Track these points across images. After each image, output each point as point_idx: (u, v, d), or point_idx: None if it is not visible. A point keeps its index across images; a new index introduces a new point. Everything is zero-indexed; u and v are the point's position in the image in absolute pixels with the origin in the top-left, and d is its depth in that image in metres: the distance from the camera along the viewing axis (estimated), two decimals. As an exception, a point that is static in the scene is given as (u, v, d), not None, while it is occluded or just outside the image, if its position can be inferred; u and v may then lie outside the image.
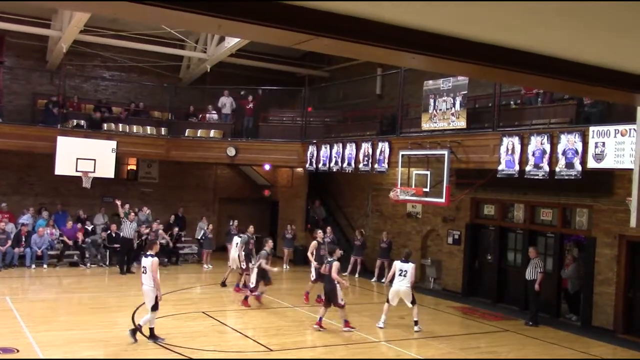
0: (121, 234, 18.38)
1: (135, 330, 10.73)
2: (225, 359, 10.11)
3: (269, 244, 14.26)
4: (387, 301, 12.94)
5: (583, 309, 14.05)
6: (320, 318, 12.30)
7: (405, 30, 2.14)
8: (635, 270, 13.32)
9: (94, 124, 20.30)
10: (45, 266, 17.99)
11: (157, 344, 10.58)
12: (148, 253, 10.91)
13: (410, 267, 12.71)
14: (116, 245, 18.78)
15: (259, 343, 11.17)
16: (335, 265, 12.20)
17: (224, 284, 16.44)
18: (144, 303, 11.12)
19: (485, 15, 2.03)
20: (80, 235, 19.05)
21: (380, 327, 12.65)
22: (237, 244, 15.79)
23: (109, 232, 19.25)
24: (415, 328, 12.56)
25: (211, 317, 12.99)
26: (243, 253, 15.37)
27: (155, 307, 10.59)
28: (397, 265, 12.86)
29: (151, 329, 10.75)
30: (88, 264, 18.53)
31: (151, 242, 11.71)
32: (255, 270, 13.87)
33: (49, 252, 18.40)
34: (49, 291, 15.28)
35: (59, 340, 10.59)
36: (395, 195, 15.90)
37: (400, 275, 12.71)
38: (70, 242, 18.94)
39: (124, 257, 18.28)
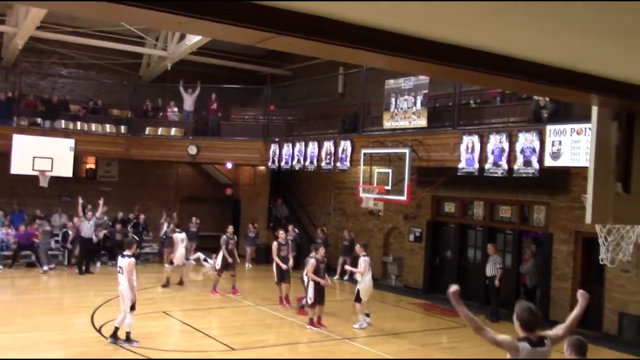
0: (80, 234, 18.04)
1: (115, 332, 10.51)
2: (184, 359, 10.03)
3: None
4: (359, 300, 12.70)
5: (540, 304, 14.34)
6: (319, 317, 12.44)
7: (370, 30, 2.15)
8: (590, 265, 13.66)
9: (51, 109, 19.81)
10: (0, 267, 17.55)
11: (130, 346, 10.35)
12: (125, 253, 10.64)
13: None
14: (68, 246, 18.49)
15: (221, 342, 11.11)
16: (311, 263, 12.28)
17: (166, 285, 16.22)
18: (107, 301, 10.95)
19: (449, 15, 2.06)
20: (36, 236, 18.61)
21: (363, 328, 12.58)
22: (182, 239, 16.64)
23: (65, 230, 18.87)
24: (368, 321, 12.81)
25: (172, 317, 12.87)
26: (226, 253, 15.37)
27: (132, 308, 10.42)
28: (368, 260, 12.87)
29: (126, 332, 10.50)
30: (45, 267, 17.89)
31: (129, 242, 11.33)
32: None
33: (3, 253, 17.94)
34: (4, 292, 14.93)
35: (16, 343, 10.35)
36: (366, 199, 15.83)
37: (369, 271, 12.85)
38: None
39: (83, 257, 17.98)
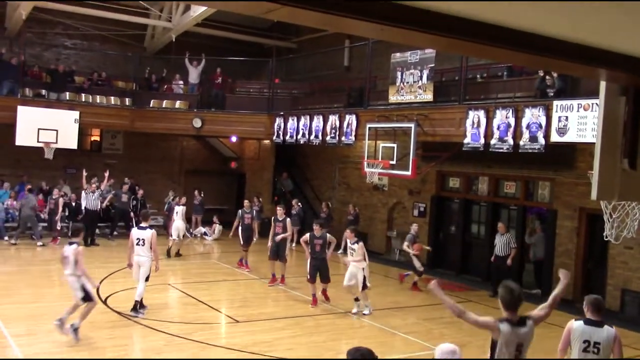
0: (84, 206, 18.08)
1: (136, 306, 10.66)
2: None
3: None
4: (366, 287, 11.78)
5: (544, 280, 14.38)
6: (323, 290, 12.37)
7: (372, 1, 2.11)
8: (594, 242, 13.66)
9: (57, 80, 19.77)
10: (6, 238, 17.65)
11: (138, 315, 10.54)
12: (144, 225, 10.79)
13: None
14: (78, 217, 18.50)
15: (225, 314, 11.19)
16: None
17: (169, 255, 16.53)
18: (112, 273, 11.01)
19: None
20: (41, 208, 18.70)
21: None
22: (176, 212, 16.79)
23: (69, 202, 18.92)
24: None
25: (177, 289, 12.95)
26: (239, 227, 15.49)
27: (148, 278, 10.63)
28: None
29: (137, 302, 10.69)
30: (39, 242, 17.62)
31: (145, 214, 11.43)
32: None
33: (8, 225, 18.03)
34: (10, 264, 15.03)
35: (21, 314, 10.45)
36: (370, 174, 15.75)
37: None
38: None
39: (88, 229, 18.03)
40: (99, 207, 18.33)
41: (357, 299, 11.72)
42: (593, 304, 6.14)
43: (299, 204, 20.03)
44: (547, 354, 9.79)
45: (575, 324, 6.10)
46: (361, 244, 11.90)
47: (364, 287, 11.59)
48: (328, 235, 12.35)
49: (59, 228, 17.68)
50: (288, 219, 14.22)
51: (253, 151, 23.90)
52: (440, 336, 10.45)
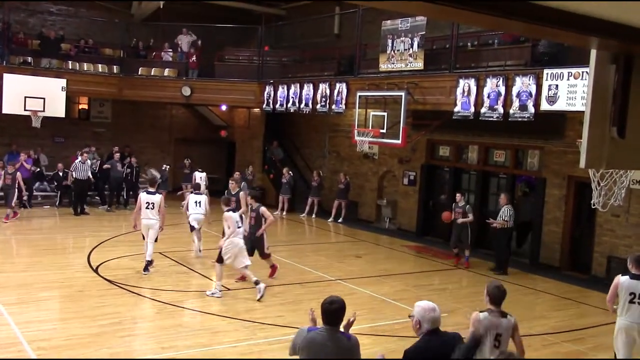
0: (74, 175, 18.00)
1: (147, 265, 11.44)
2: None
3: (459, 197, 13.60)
4: (221, 260, 10.46)
5: (531, 247, 14.55)
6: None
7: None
8: (582, 210, 13.80)
9: (48, 46, 19.50)
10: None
11: (148, 272, 11.40)
12: (152, 190, 11.75)
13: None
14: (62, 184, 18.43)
15: (216, 282, 11.25)
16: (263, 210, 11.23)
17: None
18: (103, 242, 11.02)
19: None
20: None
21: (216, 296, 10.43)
22: (197, 202, 13.47)
23: (55, 171, 18.83)
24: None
25: (168, 257, 13.00)
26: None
27: (157, 239, 11.62)
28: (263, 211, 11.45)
29: (148, 261, 11.48)
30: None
31: (152, 180, 12.60)
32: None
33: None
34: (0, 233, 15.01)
35: (12, 282, 10.47)
36: (361, 143, 15.61)
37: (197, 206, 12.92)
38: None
39: (78, 198, 18.03)
40: (89, 176, 18.25)
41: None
42: (636, 261, 6.97)
43: (290, 172, 20.05)
44: (536, 318, 9.98)
45: (622, 279, 7.05)
46: (263, 208, 11.25)
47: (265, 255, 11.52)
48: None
49: (13, 204, 16.39)
50: (242, 193, 12.96)
51: (243, 119, 23.79)
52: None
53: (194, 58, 21.02)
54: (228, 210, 10.53)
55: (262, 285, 10.27)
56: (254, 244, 11.29)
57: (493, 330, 5.28)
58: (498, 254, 13.63)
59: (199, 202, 13.11)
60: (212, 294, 10.30)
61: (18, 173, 16.66)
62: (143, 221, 11.46)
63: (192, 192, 13.65)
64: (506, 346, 5.35)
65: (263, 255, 11.56)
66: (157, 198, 11.53)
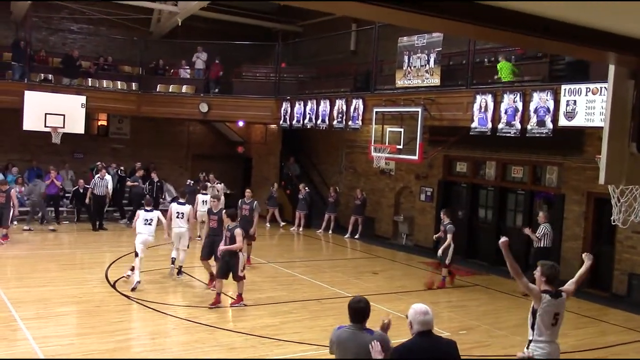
0: (94, 191, 18.09)
1: (179, 270, 12.45)
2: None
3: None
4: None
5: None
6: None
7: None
8: (601, 226, 13.63)
9: (69, 62, 19.85)
10: (15, 223, 17.74)
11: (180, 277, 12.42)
12: (182, 201, 12.88)
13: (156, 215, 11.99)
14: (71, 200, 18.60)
15: (232, 298, 11.25)
16: (238, 232, 10.46)
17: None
18: (121, 257, 11.06)
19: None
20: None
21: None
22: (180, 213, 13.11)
23: (76, 187, 18.99)
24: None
25: (185, 272, 13.02)
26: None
27: (188, 246, 12.56)
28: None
29: (180, 267, 12.51)
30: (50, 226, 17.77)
31: (183, 192, 13.99)
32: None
33: (18, 209, 18.10)
34: (19, 248, 15.13)
35: (30, 297, 10.55)
36: (377, 159, 15.61)
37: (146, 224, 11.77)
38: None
39: (97, 214, 18.14)
40: (108, 192, 18.39)
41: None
42: None
43: (306, 188, 20.06)
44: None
45: (543, 295, 6.63)
46: (238, 230, 10.47)
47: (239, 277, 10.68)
48: (237, 230, 10.49)
49: (8, 226, 15.41)
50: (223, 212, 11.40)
51: (260, 136, 23.90)
52: (448, 319, 10.50)
53: (217, 70, 21.27)
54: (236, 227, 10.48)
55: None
56: (229, 265, 10.47)
57: (552, 310, 5.89)
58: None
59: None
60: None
61: (12, 190, 15.77)
62: (174, 230, 12.33)
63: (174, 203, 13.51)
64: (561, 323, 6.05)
65: (236, 277, 10.57)
66: (187, 208, 12.47)
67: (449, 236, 12.88)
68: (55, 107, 17.79)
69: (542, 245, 12.51)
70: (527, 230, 12.77)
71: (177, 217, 12.32)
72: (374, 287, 12.85)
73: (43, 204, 17.81)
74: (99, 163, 19.42)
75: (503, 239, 6.11)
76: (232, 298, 10.93)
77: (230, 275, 10.57)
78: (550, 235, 12.60)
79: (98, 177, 18.19)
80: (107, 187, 18.24)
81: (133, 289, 11.09)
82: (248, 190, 14.46)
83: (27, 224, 17.34)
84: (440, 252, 13.07)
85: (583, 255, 6.69)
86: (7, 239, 15.28)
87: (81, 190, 18.73)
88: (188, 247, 12.57)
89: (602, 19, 2.50)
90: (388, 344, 4.82)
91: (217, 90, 21.20)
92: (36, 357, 7.78)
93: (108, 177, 18.55)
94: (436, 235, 13.68)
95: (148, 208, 11.97)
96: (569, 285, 6.30)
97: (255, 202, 13.88)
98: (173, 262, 12.64)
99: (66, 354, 7.96)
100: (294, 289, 12.29)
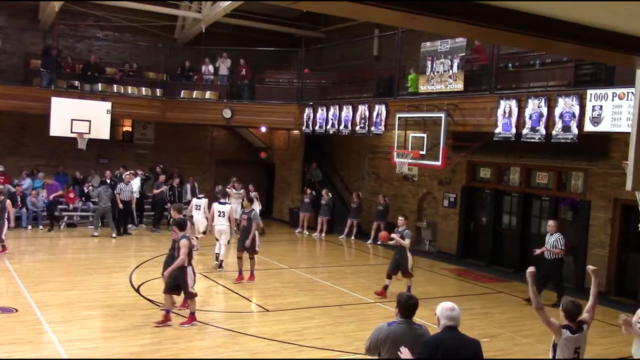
0: (120, 196, 18.17)
1: (221, 263, 13.87)
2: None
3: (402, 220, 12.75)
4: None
5: (576, 272, 14.19)
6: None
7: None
8: (629, 233, 13.42)
9: (91, 70, 20.13)
10: (41, 227, 18.01)
11: (218, 271, 13.70)
12: (223, 200, 14.03)
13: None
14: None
15: (255, 303, 11.28)
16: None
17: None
18: (145, 261, 11.15)
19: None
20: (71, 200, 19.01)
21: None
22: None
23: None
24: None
25: (207, 277, 13.09)
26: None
27: (228, 242, 14.03)
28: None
29: (222, 261, 13.88)
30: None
31: (224, 192, 15.17)
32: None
33: (44, 213, 18.39)
34: (45, 252, 15.35)
35: (56, 300, 10.68)
36: (400, 164, 15.60)
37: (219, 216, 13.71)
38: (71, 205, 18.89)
39: (122, 219, 18.27)
40: (133, 197, 18.47)
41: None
42: None
43: (329, 193, 20.05)
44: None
45: (563, 330, 6.21)
46: (184, 241, 9.60)
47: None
48: (183, 241, 9.59)
49: (3, 237, 14.41)
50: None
51: (282, 141, 23.97)
52: (470, 327, 10.39)
53: (243, 72, 21.44)
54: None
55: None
56: (177, 279, 9.64)
57: (572, 345, 5.75)
58: (558, 286, 12.23)
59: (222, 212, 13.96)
60: None
61: (8, 201, 14.73)
62: (216, 227, 13.67)
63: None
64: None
65: (187, 293, 9.80)
66: (227, 207, 13.77)
67: (407, 241, 12.30)
68: (81, 113, 18.05)
69: (555, 256, 12.14)
70: (538, 251, 12.30)
71: (219, 215, 13.62)
72: (397, 293, 12.74)
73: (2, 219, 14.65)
74: (121, 168, 19.63)
75: (530, 269, 6.09)
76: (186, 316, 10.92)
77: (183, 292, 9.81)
78: (562, 244, 12.10)
79: (124, 182, 18.33)
80: (132, 192, 18.38)
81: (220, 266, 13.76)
82: (246, 200, 14.08)
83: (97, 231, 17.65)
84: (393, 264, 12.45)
85: (588, 269, 6.48)
86: (5, 250, 14.38)
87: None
88: (228, 243, 14.03)
89: (628, 23, 2.46)
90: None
91: (246, 94, 21.32)
92: (61, 359, 7.87)
93: (135, 182, 18.65)
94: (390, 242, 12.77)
95: (222, 201, 13.92)
96: (587, 312, 6.10)
97: (254, 211, 13.05)
98: (217, 258, 14.09)
99: (90, 357, 8.04)
100: (316, 295, 12.27)
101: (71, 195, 19.00)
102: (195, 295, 9.80)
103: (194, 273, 9.91)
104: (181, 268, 9.50)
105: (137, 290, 11.68)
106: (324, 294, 12.39)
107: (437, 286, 13.76)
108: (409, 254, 12.36)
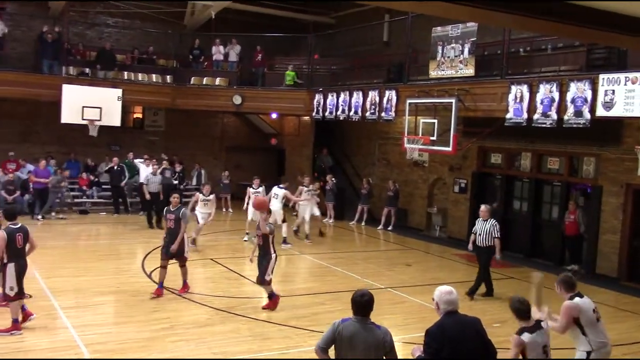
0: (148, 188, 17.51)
1: (284, 239, 15.20)
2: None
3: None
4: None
5: (587, 257, 14.14)
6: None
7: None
8: (641, 218, 13.36)
9: (105, 57, 20.18)
10: (53, 214, 18.15)
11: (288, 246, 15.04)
12: (255, 187, 15.59)
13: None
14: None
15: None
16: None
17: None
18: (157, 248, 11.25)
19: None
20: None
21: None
22: (276, 195, 15.42)
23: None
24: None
25: (219, 264, 13.16)
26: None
27: (285, 220, 15.39)
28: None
29: (285, 237, 15.23)
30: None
31: (284, 180, 17.16)
32: None
33: (57, 200, 18.51)
34: (58, 239, 15.46)
35: (69, 286, 10.79)
36: (411, 150, 15.69)
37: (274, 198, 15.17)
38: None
39: (153, 212, 17.46)
40: (160, 189, 17.37)
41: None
42: None
43: (333, 179, 19.98)
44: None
45: (523, 337, 5.74)
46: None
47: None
48: (183, 209, 10.66)
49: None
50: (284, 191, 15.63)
51: (293, 127, 23.96)
52: (481, 311, 10.38)
53: (259, 57, 21.51)
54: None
55: None
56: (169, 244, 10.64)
57: (538, 346, 5.47)
58: (483, 276, 11.68)
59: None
60: None
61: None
62: (250, 210, 14.82)
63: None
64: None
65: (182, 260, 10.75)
66: (282, 191, 15.21)
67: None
68: (92, 100, 18.10)
69: (487, 244, 11.44)
70: (470, 246, 11.77)
71: (274, 197, 15.17)
72: (408, 278, 12.82)
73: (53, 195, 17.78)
74: (145, 156, 19.47)
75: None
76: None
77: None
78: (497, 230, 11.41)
79: (151, 172, 17.58)
80: (159, 184, 17.42)
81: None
82: (175, 196, 11.07)
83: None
84: None
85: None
86: None
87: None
88: (284, 222, 15.34)
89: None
90: (391, 339, 4.93)
91: (260, 81, 21.44)
92: (76, 345, 7.96)
93: (168, 172, 18.24)
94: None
95: (282, 185, 15.72)
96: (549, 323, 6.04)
97: (184, 210, 10.86)
98: (296, 233, 16.10)
99: (104, 341, 8.13)
100: (327, 281, 12.32)
101: (83, 175, 19.21)
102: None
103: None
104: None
105: (149, 276, 11.77)
106: (335, 279, 12.44)
107: (448, 272, 13.77)
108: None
